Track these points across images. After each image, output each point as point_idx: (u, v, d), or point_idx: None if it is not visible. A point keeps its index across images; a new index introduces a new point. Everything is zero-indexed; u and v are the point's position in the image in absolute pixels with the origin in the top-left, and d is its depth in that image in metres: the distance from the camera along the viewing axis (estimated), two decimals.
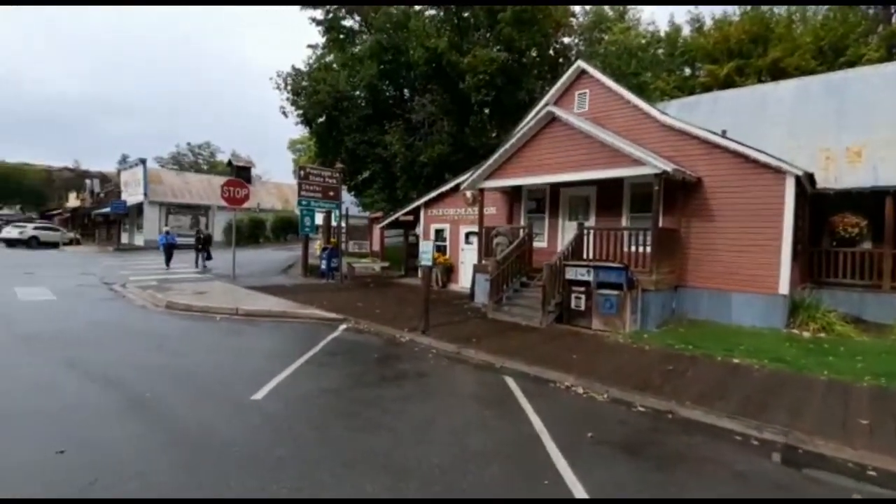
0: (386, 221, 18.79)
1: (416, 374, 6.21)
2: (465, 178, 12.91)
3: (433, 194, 15.48)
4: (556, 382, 5.93)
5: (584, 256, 9.99)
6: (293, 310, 10.26)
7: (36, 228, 34.86)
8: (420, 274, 10.88)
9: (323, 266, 16.28)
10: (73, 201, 54.55)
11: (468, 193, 13.53)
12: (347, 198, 22.41)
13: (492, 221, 12.66)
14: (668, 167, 8.85)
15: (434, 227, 15.67)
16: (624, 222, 10.66)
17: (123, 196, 36.66)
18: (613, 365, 6.62)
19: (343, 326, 9.11)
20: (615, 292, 8.77)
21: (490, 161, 11.84)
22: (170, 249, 19.09)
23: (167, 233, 20.36)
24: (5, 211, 74.53)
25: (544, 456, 3.97)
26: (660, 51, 30.48)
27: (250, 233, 38.41)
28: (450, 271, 14.98)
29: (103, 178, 52.35)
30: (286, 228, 43.32)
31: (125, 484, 3.31)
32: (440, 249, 15.02)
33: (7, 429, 4.16)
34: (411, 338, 8.16)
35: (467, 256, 14.31)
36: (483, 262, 11.80)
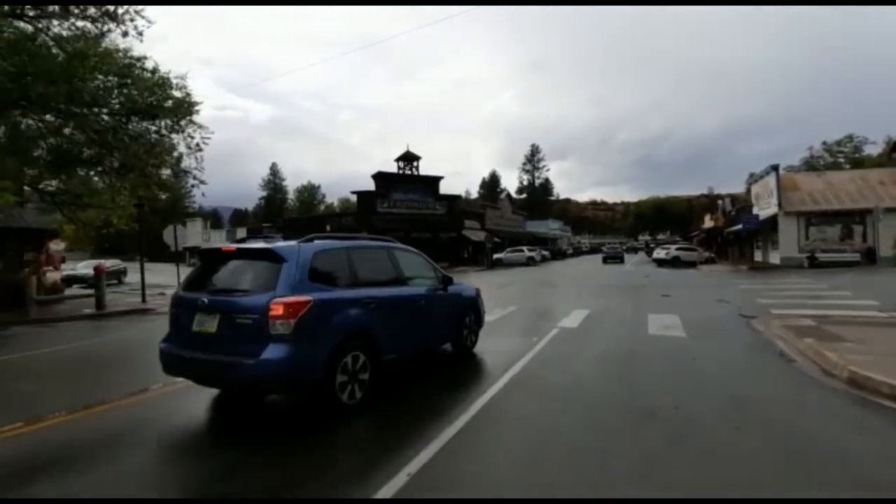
0: None
1: None
2: None
3: None
4: None
5: None
6: None
7: (678, 249, 37.69)
8: None
9: None
10: (707, 223, 57.07)
11: None
12: None
13: None
14: None
15: None
16: None
17: (755, 210, 33.18)
18: None
19: None
20: None
21: None
22: None
23: None
24: (659, 236, 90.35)
25: None
26: None
27: None
28: None
29: (733, 199, 51.60)
30: None
31: None
32: None
33: None
34: None
35: None
36: None
